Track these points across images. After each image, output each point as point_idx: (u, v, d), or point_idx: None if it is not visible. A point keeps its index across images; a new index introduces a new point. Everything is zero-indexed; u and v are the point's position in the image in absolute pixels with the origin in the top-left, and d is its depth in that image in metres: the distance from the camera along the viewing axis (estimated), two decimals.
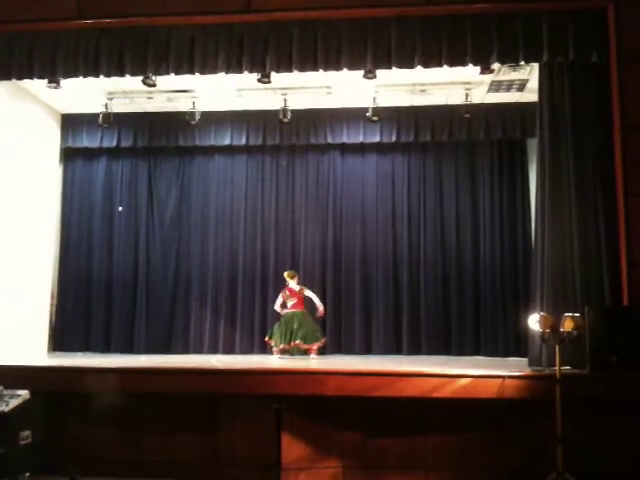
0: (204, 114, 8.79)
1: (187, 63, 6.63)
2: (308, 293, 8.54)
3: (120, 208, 9.70)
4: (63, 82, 7.53)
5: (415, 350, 8.92)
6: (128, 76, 6.89)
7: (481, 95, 8.46)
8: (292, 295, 8.47)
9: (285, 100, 8.48)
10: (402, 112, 8.87)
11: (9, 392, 5.42)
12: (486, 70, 7.16)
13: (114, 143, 9.41)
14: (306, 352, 8.15)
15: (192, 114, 8.69)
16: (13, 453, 5.23)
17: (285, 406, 5.37)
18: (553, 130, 6.44)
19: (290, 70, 6.61)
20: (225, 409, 5.91)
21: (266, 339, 8.48)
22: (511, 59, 6.53)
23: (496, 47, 6.31)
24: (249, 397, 5.78)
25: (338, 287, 9.32)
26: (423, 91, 8.31)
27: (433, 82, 8.05)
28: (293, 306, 8.42)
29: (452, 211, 9.32)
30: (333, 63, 6.52)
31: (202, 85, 8.14)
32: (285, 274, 8.63)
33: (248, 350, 9.11)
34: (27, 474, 5.39)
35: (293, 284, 8.52)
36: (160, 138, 9.36)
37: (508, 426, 5.53)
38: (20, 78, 7.14)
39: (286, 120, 8.57)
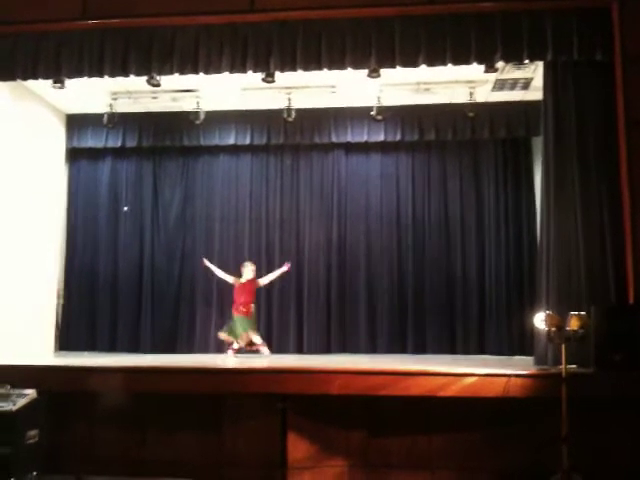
0: (208, 114, 8.79)
1: (191, 63, 6.65)
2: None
3: (125, 208, 9.72)
4: (68, 82, 7.52)
5: (420, 349, 8.89)
6: (132, 76, 6.90)
7: (485, 94, 8.44)
8: None
9: (289, 99, 8.48)
10: (406, 111, 8.85)
11: (16, 391, 5.44)
12: (490, 69, 7.13)
13: (119, 143, 9.42)
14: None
15: (196, 114, 8.70)
16: (20, 452, 5.25)
17: (290, 405, 5.38)
18: (558, 128, 6.41)
19: (294, 69, 6.62)
20: (230, 408, 5.90)
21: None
22: (515, 57, 6.54)
23: (500, 46, 6.31)
24: (254, 396, 5.78)
25: (343, 286, 9.29)
26: (427, 90, 8.27)
27: (437, 81, 8.02)
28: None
29: (457, 210, 9.28)
30: (337, 62, 6.52)
31: (206, 85, 8.14)
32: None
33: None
34: (34, 473, 5.40)
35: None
36: (165, 138, 9.38)
37: (514, 425, 5.52)
38: (25, 78, 7.16)
39: (290, 119, 8.57)
